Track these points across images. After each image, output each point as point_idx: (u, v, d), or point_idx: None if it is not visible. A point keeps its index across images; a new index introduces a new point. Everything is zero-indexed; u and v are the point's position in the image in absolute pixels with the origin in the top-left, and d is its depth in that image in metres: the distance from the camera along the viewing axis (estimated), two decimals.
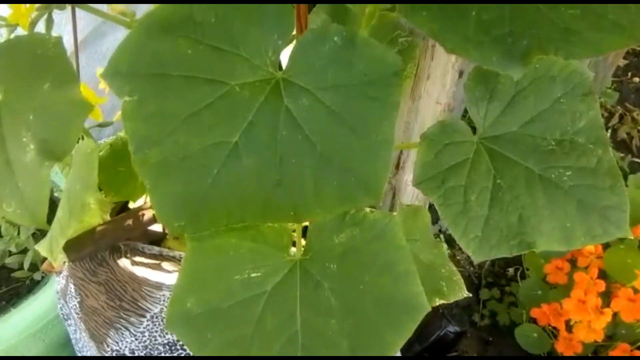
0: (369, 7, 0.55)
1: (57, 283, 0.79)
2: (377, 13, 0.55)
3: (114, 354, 0.74)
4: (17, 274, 1.13)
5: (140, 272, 0.74)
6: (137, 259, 0.75)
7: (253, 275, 0.49)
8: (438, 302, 0.69)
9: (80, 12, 0.61)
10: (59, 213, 0.65)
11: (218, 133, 0.43)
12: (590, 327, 1.06)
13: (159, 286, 0.74)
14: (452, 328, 1.24)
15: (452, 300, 0.70)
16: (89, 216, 0.72)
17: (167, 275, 0.76)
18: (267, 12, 0.44)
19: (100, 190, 0.75)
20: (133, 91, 0.42)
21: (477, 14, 0.43)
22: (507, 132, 0.58)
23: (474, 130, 0.58)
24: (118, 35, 1.33)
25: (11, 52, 0.50)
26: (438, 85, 0.88)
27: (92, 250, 0.72)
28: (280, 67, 0.45)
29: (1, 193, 0.49)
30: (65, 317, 0.83)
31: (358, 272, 0.49)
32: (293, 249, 0.52)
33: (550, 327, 1.23)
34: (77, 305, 0.76)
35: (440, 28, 0.43)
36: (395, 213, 0.55)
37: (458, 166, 0.54)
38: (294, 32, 0.46)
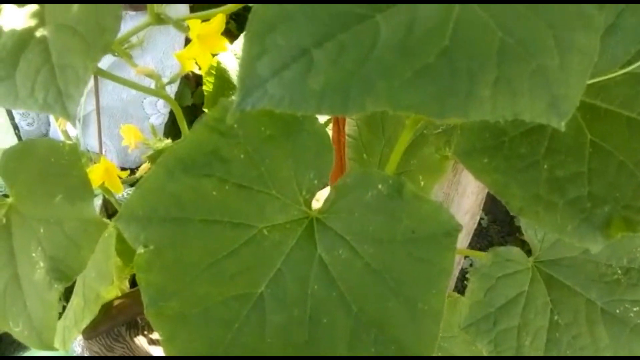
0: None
1: (71, 352, 0.77)
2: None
3: None
4: None
5: (157, 351, 0.70)
6: (154, 336, 0.72)
7: None
8: None
9: None
10: (74, 299, 0.61)
11: (241, 283, 0.38)
12: None
13: None
14: None
15: None
16: (107, 291, 0.69)
17: None
18: (304, 146, 0.39)
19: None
20: (149, 240, 0.37)
21: (549, 168, 0.37)
22: (567, 257, 0.52)
23: (528, 252, 0.52)
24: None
25: (24, 155, 0.46)
26: None
27: (109, 327, 0.68)
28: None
29: (8, 310, 0.45)
30: None
31: None
32: None
33: None
34: None
35: (505, 181, 0.37)
36: None
37: (511, 303, 0.48)
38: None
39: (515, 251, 0.49)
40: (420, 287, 0.37)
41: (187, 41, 1.39)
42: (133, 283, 0.75)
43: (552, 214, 0.36)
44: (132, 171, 0.85)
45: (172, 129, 1.46)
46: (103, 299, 0.61)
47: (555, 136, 0.36)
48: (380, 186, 0.37)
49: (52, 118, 1.41)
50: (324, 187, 0.39)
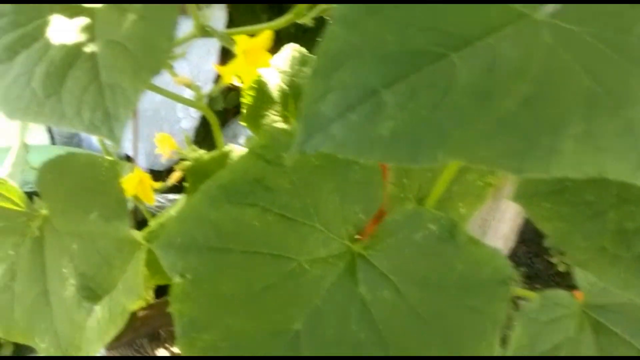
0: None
1: None
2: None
3: None
4: None
5: None
6: (176, 349, 0.70)
7: None
8: None
9: None
10: (99, 311, 0.60)
11: (278, 319, 0.37)
12: None
13: None
14: None
15: None
16: (132, 302, 0.68)
17: None
18: (353, 179, 0.37)
19: None
20: (186, 269, 0.35)
21: (618, 219, 0.34)
22: (616, 303, 0.49)
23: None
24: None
25: (62, 168, 0.45)
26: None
27: (132, 339, 0.67)
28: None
29: (36, 326, 0.44)
30: None
31: None
32: None
33: None
34: None
35: (568, 230, 0.34)
36: None
37: (557, 349, 0.45)
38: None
39: (563, 295, 0.47)
40: (469, 338, 0.35)
41: (223, 48, 1.38)
42: (157, 293, 0.74)
43: (616, 268, 0.33)
44: (160, 174, 0.84)
45: (202, 133, 1.46)
46: (129, 313, 0.60)
47: (626, 184, 0.34)
48: (431, 226, 0.35)
49: None
50: (370, 222, 0.37)
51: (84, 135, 1.43)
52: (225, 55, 1.42)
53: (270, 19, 0.55)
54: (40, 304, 0.44)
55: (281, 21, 0.54)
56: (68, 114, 0.34)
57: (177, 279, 0.35)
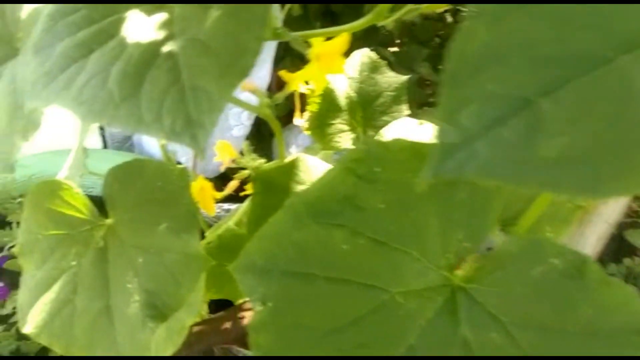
0: None
1: None
2: None
3: None
4: None
5: None
6: None
7: None
8: None
9: None
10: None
11: (364, 356, 0.32)
12: None
13: None
14: None
15: None
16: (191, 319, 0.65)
17: None
18: (457, 201, 0.32)
19: None
20: (267, 296, 0.32)
21: None
22: None
23: None
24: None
25: (130, 176, 0.43)
26: (611, 204, 0.71)
27: (185, 356, 0.64)
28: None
29: (97, 344, 0.42)
30: None
31: None
32: None
33: None
34: None
35: None
36: None
37: None
38: None
39: None
40: None
41: (277, 55, 1.36)
42: (214, 308, 0.70)
43: None
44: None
45: (253, 142, 1.43)
46: (187, 330, 0.57)
47: None
48: (554, 260, 0.30)
49: None
50: (475, 253, 0.33)
51: (136, 139, 1.43)
52: (278, 63, 1.39)
53: (323, 26, 0.51)
54: (103, 320, 0.41)
55: (360, 23, 0.50)
56: (146, 119, 0.31)
57: (258, 307, 0.31)
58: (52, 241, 0.44)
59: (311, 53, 0.50)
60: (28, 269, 0.46)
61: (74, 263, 0.43)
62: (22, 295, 0.46)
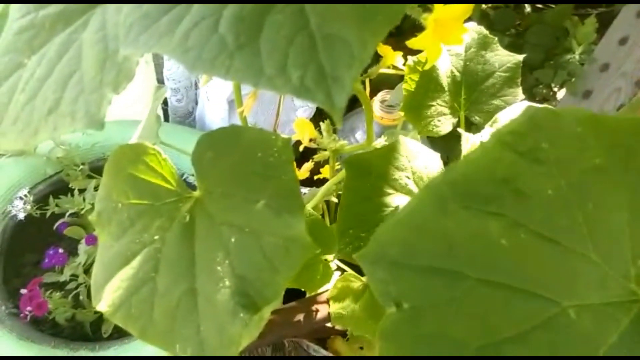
0: None
1: None
2: None
3: None
4: None
5: None
6: None
7: None
8: None
9: None
10: None
11: None
12: None
13: None
14: None
15: None
16: (271, 308, 0.60)
17: None
18: None
19: None
20: (402, 296, 0.25)
21: None
22: None
23: None
24: None
25: (225, 143, 0.37)
26: None
27: (254, 347, 0.59)
28: None
29: (178, 331, 0.37)
30: None
31: None
32: None
33: None
34: None
35: None
36: None
37: None
38: None
39: None
40: None
41: None
42: (286, 297, 0.65)
43: None
44: None
45: (317, 124, 1.37)
46: (266, 321, 0.52)
47: None
48: None
49: (200, 97, 1.38)
50: None
51: (198, 114, 1.40)
52: None
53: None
54: (186, 305, 0.36)
55: None
56: (267, 71, 0.25)
57: (391, 309, 0.25)
58: (133, 211, 0.39)
59: (429, 19, 0.43)
60: (104, 240, 0.41)
61: (156, 237, 0.38)
62: (96, 268, 0.42)
